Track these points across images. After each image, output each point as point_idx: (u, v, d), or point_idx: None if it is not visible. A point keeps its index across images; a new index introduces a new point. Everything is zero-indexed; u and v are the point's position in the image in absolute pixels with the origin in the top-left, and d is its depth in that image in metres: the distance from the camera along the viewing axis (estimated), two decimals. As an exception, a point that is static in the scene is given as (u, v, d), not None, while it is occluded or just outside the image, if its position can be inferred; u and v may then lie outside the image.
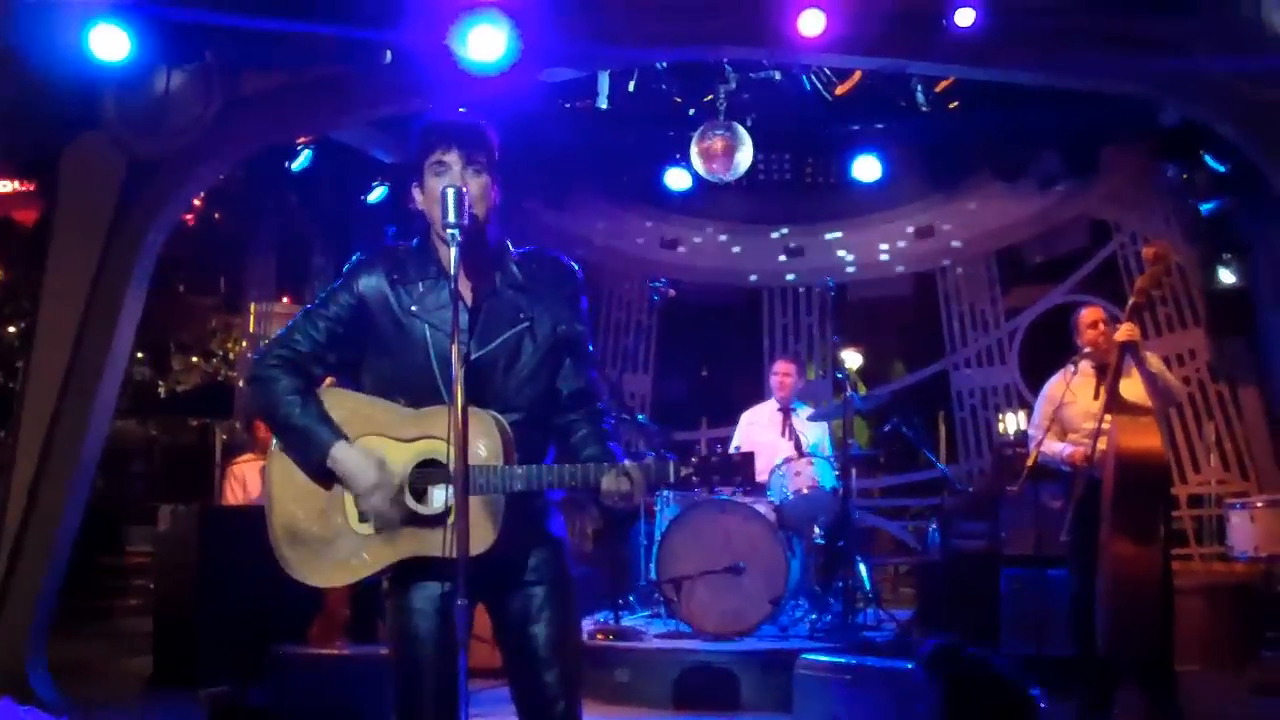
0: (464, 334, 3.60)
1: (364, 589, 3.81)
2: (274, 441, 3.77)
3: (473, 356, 3.64)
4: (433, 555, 3.55)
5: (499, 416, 3.60)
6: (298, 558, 3.70)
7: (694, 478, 3.70)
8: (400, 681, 3.74)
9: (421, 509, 3.61)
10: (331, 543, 3.67)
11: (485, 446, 3.52)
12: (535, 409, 3.78)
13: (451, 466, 3.46)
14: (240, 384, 16.27)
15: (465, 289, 3.72)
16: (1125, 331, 6.82)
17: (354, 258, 3.84)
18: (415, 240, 3.84)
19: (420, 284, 3.73)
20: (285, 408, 3.66)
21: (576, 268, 3.95)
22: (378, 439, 3.65)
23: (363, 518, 3.65)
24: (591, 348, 3.99)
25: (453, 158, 3.70)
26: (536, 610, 3.74)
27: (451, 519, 3.52)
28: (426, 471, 3.62)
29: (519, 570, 3.73)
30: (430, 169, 3.73)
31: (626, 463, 3.62)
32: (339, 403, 3.71)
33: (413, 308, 3.71)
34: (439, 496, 3.61)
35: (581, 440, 3.84)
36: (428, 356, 3.67)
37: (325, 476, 3.66)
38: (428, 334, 3.68)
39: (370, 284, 3.74)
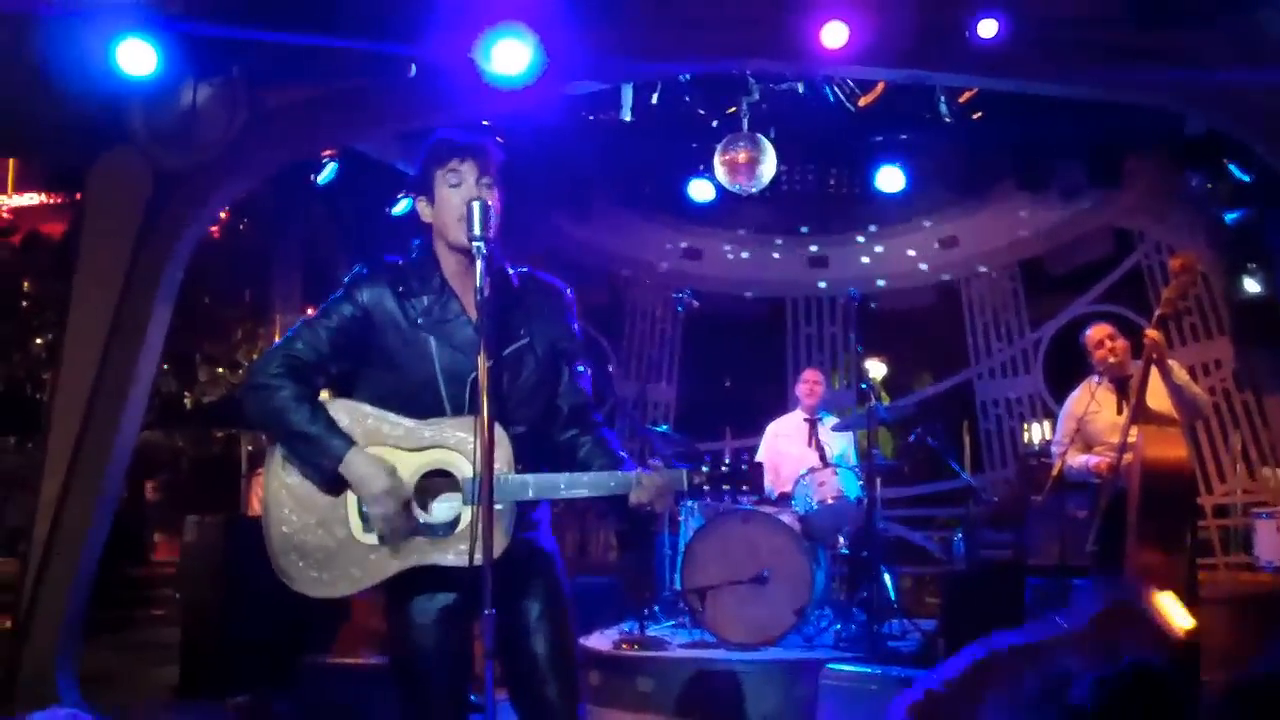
0: (472, 348, 3.63)
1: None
2: (273, 454, 3.75)
3: (477, 370, 3.61)
4: (443, 564, 3.59)
5: (501, 429, 3.60)
6: (298, 570, 3.72)
7: (705, 485, 3.72)
8: (405, 694, 3.77)
9: (428, 519, 3.64)
10: (335, 554, 3.67)
11: (499, 457, 3.53)
12: (536, 423, 3.82)
13: (459, 477, 3.53)
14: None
15: (469, 303, 3.77)
16: (1151, 339, 6.81)
17: (355, 270, 3.87)
18: (415, 253, 3.87)
19: (425, 297, 3.77)
20: (294, 414, 3.65)
21: (567, 289, 4.00)
22: (384, 449, 3.66)
23: (367, 527, 3.66)
24: (582, 366, 4.01)
25: (467, 168, 3.75)
26: (534, 623, 3.77)
27: (459, 529, 3.56)
28: (432, 482, 3.65)
29: (515, 583, 3.74)
30: (442, 179, 3.76)
31: (642, 472, 3.65)
32: (341, 413, 3.71)
33: (419, 320, 3.74)
34: (444, 507, 3.66)
35: (588, 455, 3.89)
36: (433, 369, 3.71)
37: (333, 484, 3.66)
38: (433, 347, 3.71)
39: (374, 297, 3.77)
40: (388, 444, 3.67)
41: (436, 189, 3.78)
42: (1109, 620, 2.22)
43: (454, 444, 3.61)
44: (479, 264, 3.53)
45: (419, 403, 3.69)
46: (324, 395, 3.82)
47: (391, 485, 3.58)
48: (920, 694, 2.45)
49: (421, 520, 3.64)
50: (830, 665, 7.08)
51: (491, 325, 3.61)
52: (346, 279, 3.86)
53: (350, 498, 3.67)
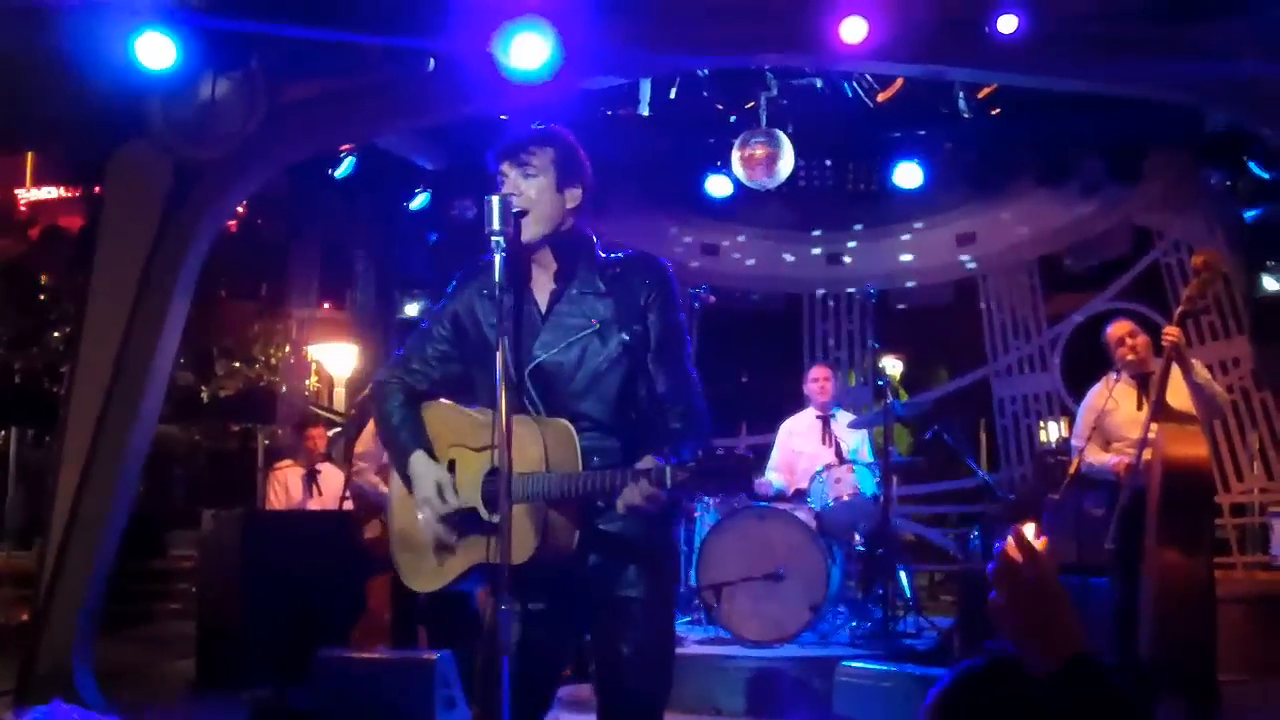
0: (530, 340, 3.69)
1: (401, 595, 3.89)
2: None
3: (537, 360, 3.67)
4: (486, 563, 3.57)
5: (561, 423, 3.60)
6: (404, 562, 3.87)
7: (689, 482, 3.63)
8: (479, 686, 3.78)
9: (488, 517, 3.63)
10: (428, 547, 3.77)
11: (531, 453, 3.52)
12: (610, 417, 3.74)
13: (517, 473, 3.53)
14: (282, 389, 16.39)
15: (542, 294, 3.78)
16: (1170, 336, 6.78)
17: (457, 274, 3.96)
18: (502, 253, 3.84)
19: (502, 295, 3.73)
20: (388, 419, 3.86)
21: (666, 264, 3.92)
22: (460, 449, 3.77)
23: (449, 527, 3.74)
24: (683, 346, 3.92)
25: (506, 167, 3.74)
26: (623, 625, 3.71)
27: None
28: (493, 479, 3.63)
29: (606, 582, 3.71)
30: (498, 184, 3.74)
31: (630, 474, 3.57)
32: (435, 416, 3.87)
33: (492, 319, 3.71)
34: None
35: (658, 440, 3.75)
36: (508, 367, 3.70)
37: (410, 484, 3.78)
38: (506, 345, 3.65)
39: (464, 300, 3.87)
40: (463, 444, 3.77)
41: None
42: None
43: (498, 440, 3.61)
44: (497, 259, 3.51)
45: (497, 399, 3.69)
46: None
47: (429, 495, 3.69)
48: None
49: (484, 518, 3.64)
50: (845, 662, 7.08)
51: (555, 316, 3.71)
52: (450, 284, 3.98)
53: None
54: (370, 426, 7.99)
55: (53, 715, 6.43)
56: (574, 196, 3.81)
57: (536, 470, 3.53)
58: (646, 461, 3.52)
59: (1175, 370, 6.95)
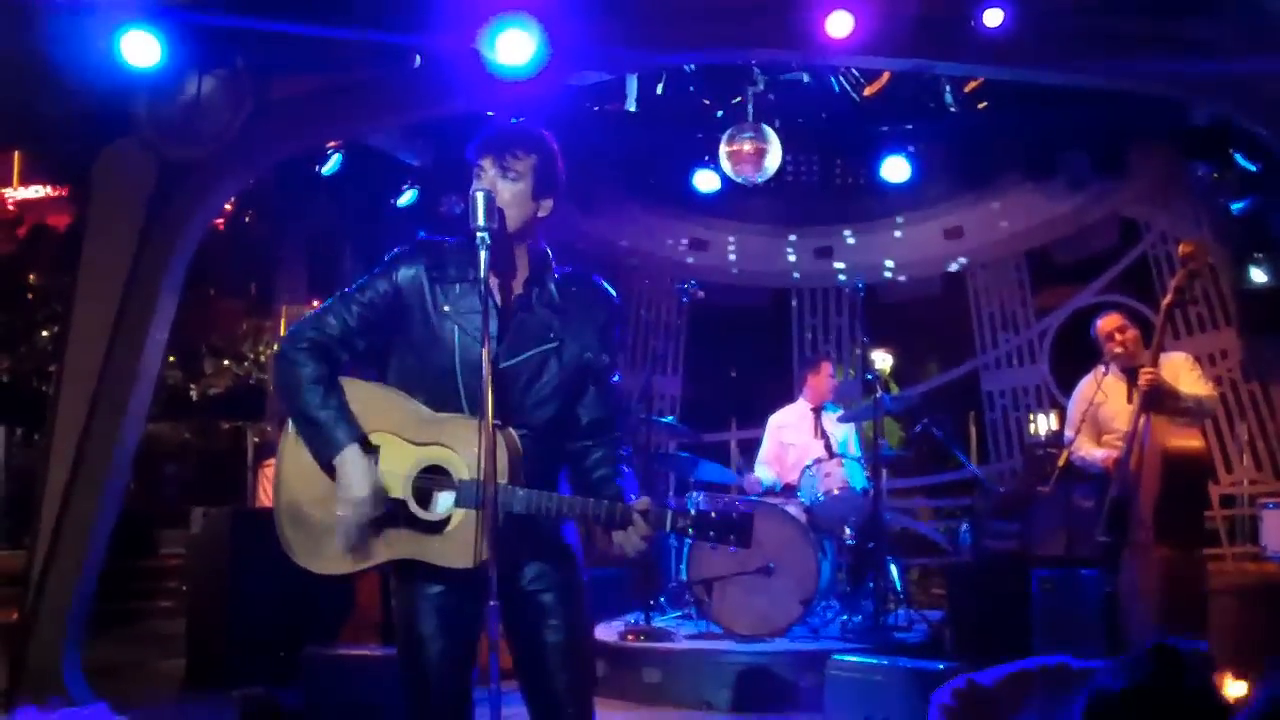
0: (491, 342, 3.58)
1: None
2: (289, 425, 3.77)
3: (499, 366, 3.63)
4: (429, 562, 3.60)
5: (512, 432, 3.60)
6: (298, 541, 3.75)
7: (690, 529, 3.68)
8: (406, 681, 3.79)
9: (423, 514, 3.62)
10: (328, 530, 3.66)
11: (497, 463, 3.49)
12: (548, 429, 3.77)
13: (455, 478, 3.55)
14: (271, 386, 16.35)
15: (498, 296, 3.74)
16: (1146, 382, 6.79)
17: (397, 249, 3.84)
18: (459, 238, 3.81)
19: (458, 285, 3.73)
20: (306, 395, 3.65)
21: (614, 294, 3.95)
22: (388, 436, 3.66)
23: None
24: (617, 378, 3.98)
25: (487, 163, 3.72)
26: (545, 617, 3.77)
27: (449, 529, 3.56)
28: (434, 478, 3.63)
29: (526, 577, 3.75)
30: (473, 174, 3.75)
31: (629, 509, 3.60)
32: (357, 393, 3.71)
33: (445, 307, 3.71)
34: (442, 503, 3.63)
35: (595, 463, 3.86)
36: (452, 360, 3.67)
37: (331, 470, 3.64)
38: (455, 336, 3.68)
39: (409, 275, 3.75)
40: (397, 432, 3.66)
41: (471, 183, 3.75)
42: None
43: (456, 443, 3.59)
44: (483, 254, 3.50)
45: (438, 391, 3.67)
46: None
47: (361, 500, 3.57)
48: (964, 682, 2.45)
49: (417, 515, 3.62)
50: (836, 656, 7.09)
51: (517, 323, 3.68)
52: (388, 255, 3.83)
53: None
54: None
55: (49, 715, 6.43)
56: (545, 207, 3.81)
57: (502, 482, 3.51)
58: (643, 503, 3.59)
59: (1166, 367, 6.98)
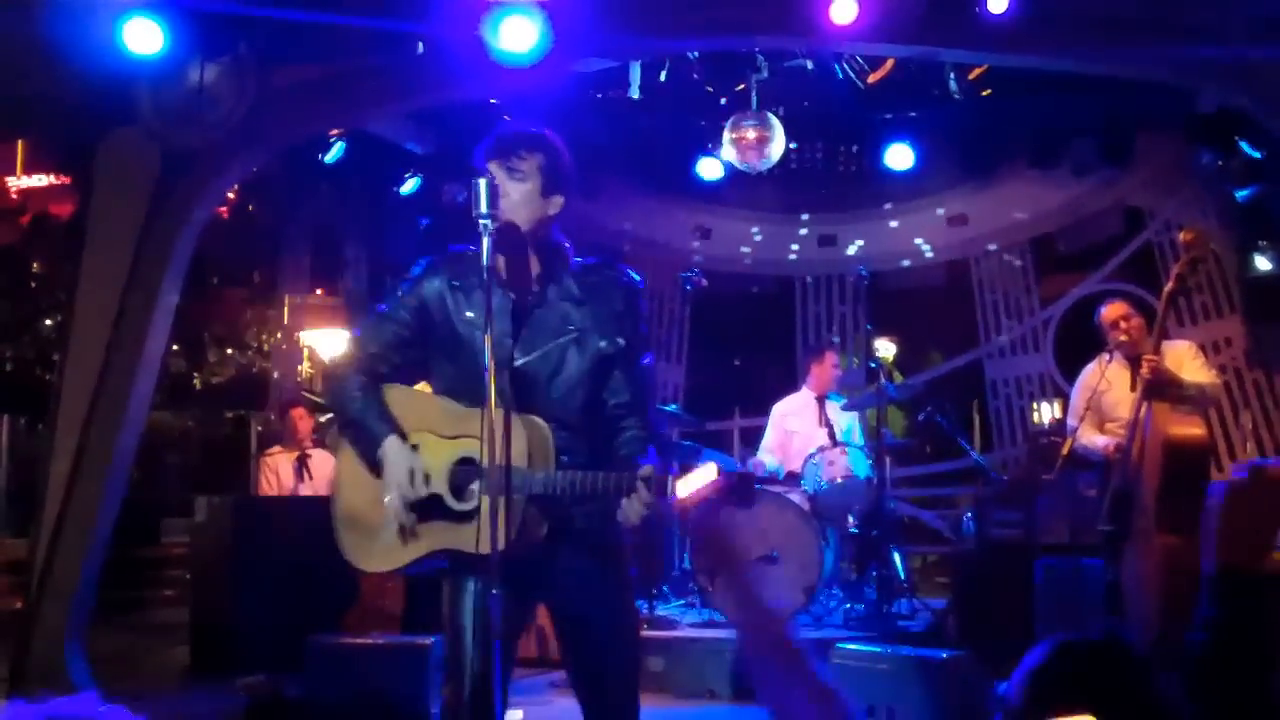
0: (508, 339, 3.75)
1: (416, 584, 3.93)
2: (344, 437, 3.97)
3: (516, 363, 3.76)
4: (458, 550, 3.69)
5: (539, 422, 3.68)
6: (351, 542, 3.88)
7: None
8: (447, 670, 3.87)
9: (456, 505, 3.72)
10: (380, 529, 3.80)
11: (516, 448, 3.58)
12: (580, 420, 3.85)
13: (483, 463, 3.55)
14: (275, 375, 16.36)
15: (514, 295, 3.85)
16: (1148, 369, 6.78)
17: (421, 263, 3.99)
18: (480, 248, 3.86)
19: (478, 292, 3.77)
20: (350, 404, 3.86)
21: (637, 279, 4.05)
22: (425, 434, 3.80)
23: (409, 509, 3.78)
24: (648, 360, 4.05)
25: (493, 166, 3.80)
26: (592, 614, 3.87)
27: (480, 516, 3.60)
28: (467, 469, 3.73)
29: (572, 573, 3.83)
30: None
31: (630, 476, 3.63)
32: (398, 399, 3.88)
33: (468, 314, 3.82)
34: (473, 494, 3.72)
35: (621, 443, 3.91)
36: (483, 360, 3.68)
37: (378, 468, 3.79)
38: (478, 339, 3.72)
39: (433, 289, 3.90)
40: (433, 429, 3.80)
41: None
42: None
43: (479, 432, 3.65)
44: (485, 241, 3.56)
45: (475, 393, 3.69)
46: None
47: (402, 481, 3.72)
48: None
49: (450, 506, 3.73)
50: (840, 645, 7.08)
51: (534, 319, 3.82)
52: (414, 270, 4.00)
53: None
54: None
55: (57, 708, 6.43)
56: (556, 204, 3.91)
57: (519, 465, 3.59)
58: (647, 470, 3.59)
59: (1169, 355, 6.98)
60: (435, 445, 3.77)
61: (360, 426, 3.83)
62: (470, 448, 3.71)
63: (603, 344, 3.87)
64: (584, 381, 3.86)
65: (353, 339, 4.07)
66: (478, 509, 3.67)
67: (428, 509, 3.75)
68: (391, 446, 3.76)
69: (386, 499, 3.73)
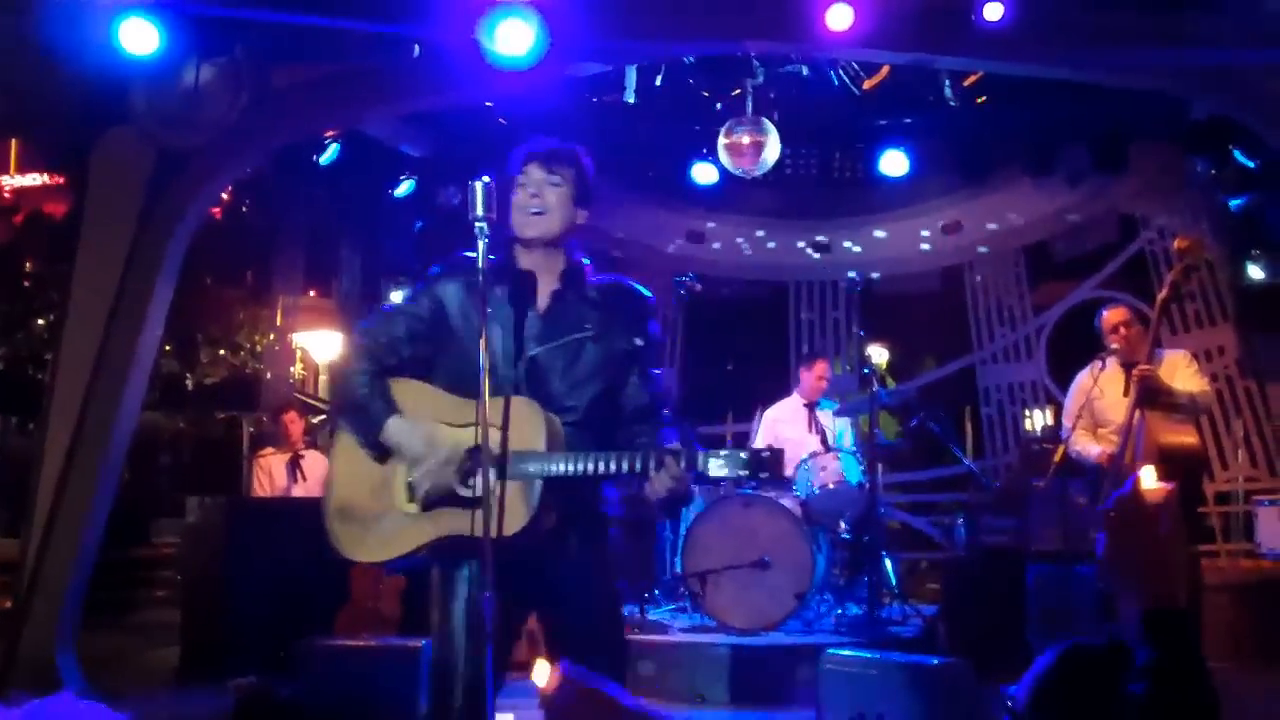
0: (524, 335, 3.88)
1: (413, 587, 3.93)
2: (341, 431, 4.04)
3: (533, 354, 3.86)
4: (468, 535, 3.65)
5: (549, 413, 3.75)
6: (346, 534, 3.92)
7: (724, 470, 3.76)
8: (434, 664, 3.91)
9: (464, 491, 3.77)
10: (379, 519, 3.87)
11: (529, 433, 3.68)
12: (589, 415, 3.93)
13: (495, 453, 3.62)
14: (268, 376, 16.35)
15: (544, 292, 3.99)
16: (1139, 376, 6.80)
17: (438, 266, 4.10)
18: (495, 257, 3.96)
19: (497, 289, 3.94)
20: (355, 389, 3.94)
21: (650, 295, 4.15)
22: (432, 424, 3.85)
23: (410, 497, 3.84)
24: (658, 372, 4.17)
25: (533, 168, 3.96)
26: (576, 597, 3.89)
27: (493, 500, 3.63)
28: (476, 457, 3.73)
29: (560, 565, 3.86)
30: (516, 184, 3.99)
31: (658, 451, 3.70)
32: (404, 390, 3.96)
33: (487, 311, 3.83)
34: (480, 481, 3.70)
35: (639, 446, 3.90)
36: (495, 356, 3.86)
37: (381, 451, 3.87)
38: (495, 336, 3.89)
39: (452, 291, 3.99)
40: (441, 419, 3.85)
41: (511, 192, 3.99)
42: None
43: (495, 421, 3.68)
44: (480, 244, 3.66)
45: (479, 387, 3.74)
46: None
47: (425, 450, 3.79)
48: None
49: (459, 492, 3.77)
50: (831, 650, 7.07)
51: (551, 315, 3.92)
52: (431, 271, 4.09)
53: (398, 469, 3.88)
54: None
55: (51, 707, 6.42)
56: (582, 216, 4.06)
57: (536, 448, 3.68)
58: (675, 445, 3.74)
59: (1165, 363, 7.00)
60: (444, 432, 3.82)
61: (362, 410, 3.91)
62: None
63: (624, 344, 3.99)
64: (596, 377, 3.95)
65: (361, 331, 4.12)
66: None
67: (435, 497, 3.80)
68: (396, 424, 3.83)
69: (419, 470, 3.79)
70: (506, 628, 3.83)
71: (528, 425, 3.70)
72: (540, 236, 3.95)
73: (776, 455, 3.74)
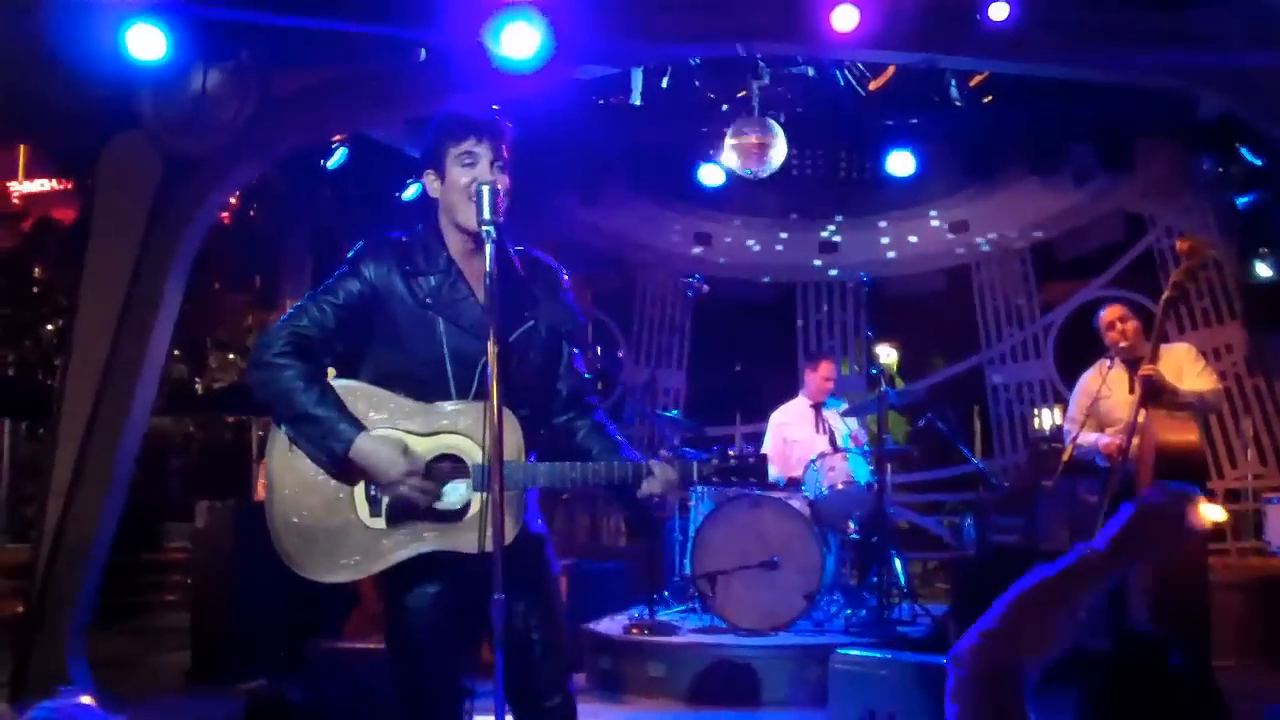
0: (481, 330, 3.55)
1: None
2: (277, 436, 3.68)
3: (488, 352, 3.52)
4: (453, 551, 3.58)
5: (508, 413, 3.56)
6: (302, 553, 3.68)
7: (713, 476, 3.76)
8: (399, 677, 3.77)
9: (440, 505, 3.60)
10: (341, 534, 3.62)
11: (511, 443, 3.52)
12: (539, 406, 3.82)
13: (469, 463, 3.59)
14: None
15: (476, 284, 3.72)
16: (1145, 375, 6.81)
17: (359, 245, 3.80)
18: (420, 228, 3.82)
19: (431, 276, 3.72)
20: (301, 396, 3.56)
21: (564, 270, 3.97)
22: (394, 433, 3.61)
23: (374, 512, 3.62)
24: (578, 348, 4.00)
25: (483, 149, 3.70)
26: (526, 608, 3.73)
27: (469, 515, 3.56)
28: (438, 467, 3.61)
29: (507, 569, 3.60)
30: (456, 159, 3.71)
31: (654, 462, 3.66)
32: (353, 396, 3.65)
33: (427, 299, 3.68)
34: (456, 492, 3.62)
35: (585, 438, 3.90)
36: (441, 350, 3.66)
37: (339, 469, 3.58)
38: (441, 327, 3.67)
39: (381, 274, 3.71)
40: (397, 428, 3.62)
41: (448, 167, 3.72)
42: (1137, 523, 2.23)
43: (464, 429, 3.60)
44: (488, 248, 3.47)
45: (423, 383, 3.65)
46: (330, 374, 3.75)
47: (410, 466, 3.53)
48: (975, 637, 2.43)
49: (436, 507, 3.61)
50: (840, 650, 7.07)
51: (499, 309, 3.51)
52: (351, 254, 3.79)
53: (357, 482, 3.63)
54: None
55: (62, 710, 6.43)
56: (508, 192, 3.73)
57: (514, 459, 3.54)
58: (665, 454, 3.68)
59: (1167, 355, 7.00)
60: (413, 444, 3.60)
61: (318, 422, 3.53)
62: (451, 444, 3.61)
63: (561, 326, 3.87)
64: (544, 368, 3.84)
65: (283, 324, 3.67)
66: (466, 508, 3.59)
67: (405, 510, 3.60)
68: (366, 441, 3.51)
69: (401, 489, 3.52)
70: (474, 635, 3.77)
71: (509, 435, 3.50)
72: (497, 220, 3.53)
73: (761, 460, 3.75)
